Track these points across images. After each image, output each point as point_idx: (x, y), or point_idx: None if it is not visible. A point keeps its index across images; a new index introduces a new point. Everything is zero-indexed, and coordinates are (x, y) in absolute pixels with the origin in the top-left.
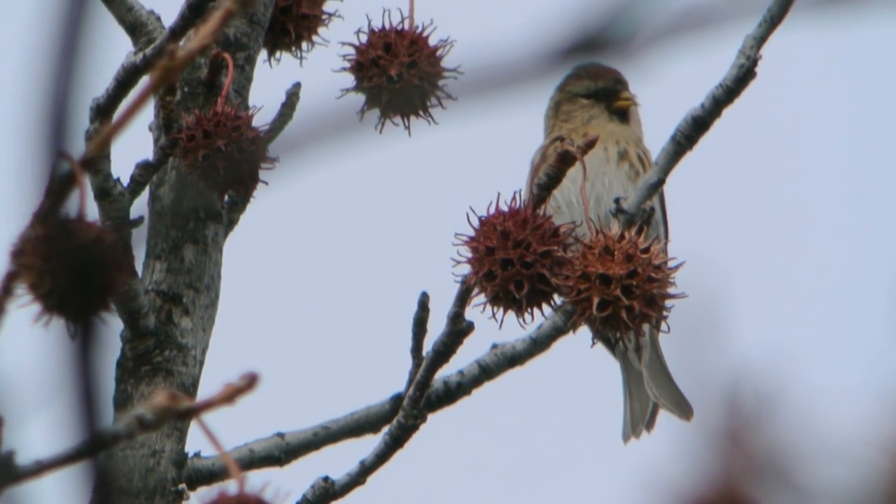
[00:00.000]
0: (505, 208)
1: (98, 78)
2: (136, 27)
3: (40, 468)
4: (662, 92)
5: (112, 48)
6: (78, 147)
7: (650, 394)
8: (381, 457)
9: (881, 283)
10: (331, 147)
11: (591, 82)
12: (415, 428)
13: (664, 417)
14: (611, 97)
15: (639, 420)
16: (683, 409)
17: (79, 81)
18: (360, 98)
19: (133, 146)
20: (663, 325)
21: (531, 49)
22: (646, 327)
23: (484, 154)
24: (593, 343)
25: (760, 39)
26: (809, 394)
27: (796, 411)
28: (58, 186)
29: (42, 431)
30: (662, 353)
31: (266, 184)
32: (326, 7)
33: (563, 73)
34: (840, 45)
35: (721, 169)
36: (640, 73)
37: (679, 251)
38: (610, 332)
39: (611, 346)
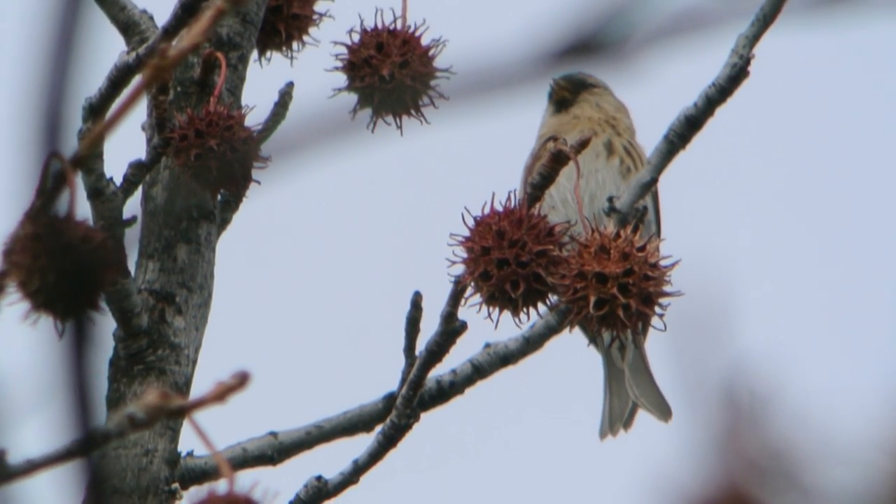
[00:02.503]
0: (500, 208)
1: (91, 77)
2: (128, 26)
3: (31, 467)
4: (657, 93)
5: (105, 47)
6: (71, 147)
7: (630, 393)
8: (375, 456)
9: (883, 282)
10: (324, 148)
11: None
12: (408, 427)
13: (659, 419)
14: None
15: (617, 418)
16: (663, 410)
17: (72, 81)
18: (352, 97)
19: (126, 146)
20: (660, 324)
21: (526, 51)
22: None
23: (479, 154)
24: (589, 342)
25: (753, 38)
26: (811, 394)
27: (798, 411)
28: (49, 186)
29: (35, 431)
30: (646, 353)
31: (259, 183)
32: (318, 7)
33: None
34: (833, 44)
35: (715, 168)
36: (634, 74)
37: (676, 250)
38: (607, 330)
39: (600, 343)
